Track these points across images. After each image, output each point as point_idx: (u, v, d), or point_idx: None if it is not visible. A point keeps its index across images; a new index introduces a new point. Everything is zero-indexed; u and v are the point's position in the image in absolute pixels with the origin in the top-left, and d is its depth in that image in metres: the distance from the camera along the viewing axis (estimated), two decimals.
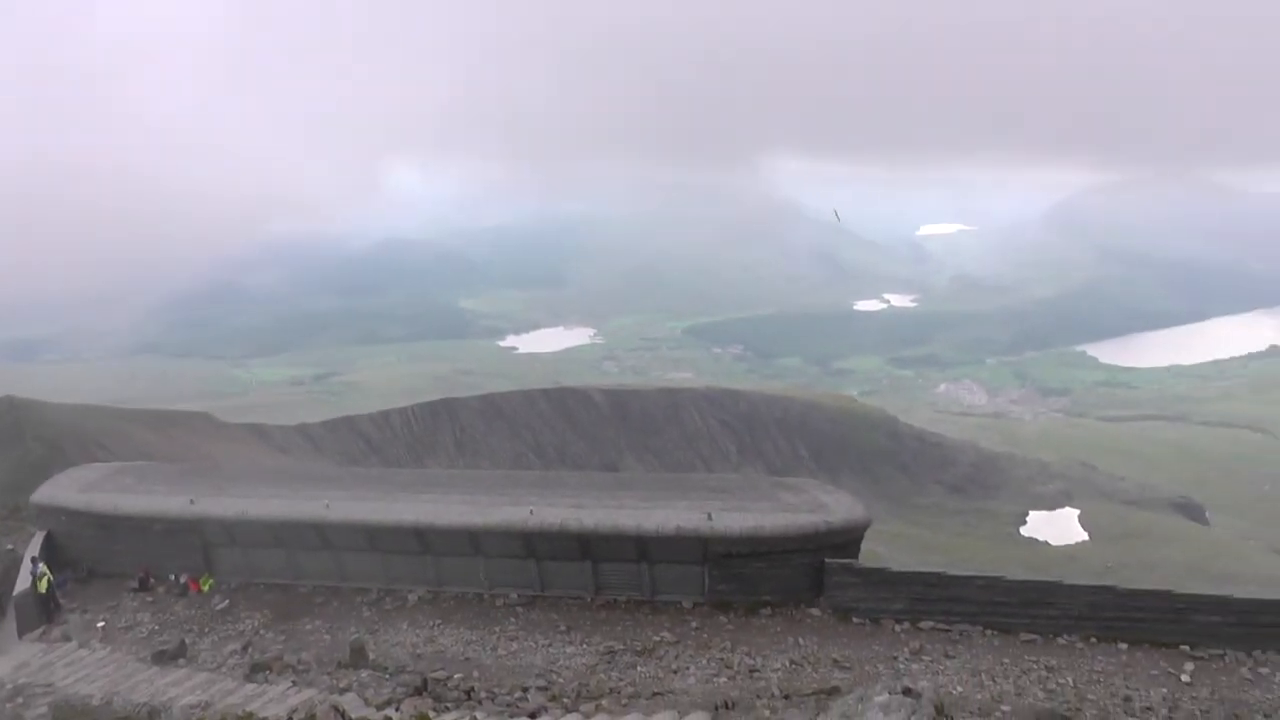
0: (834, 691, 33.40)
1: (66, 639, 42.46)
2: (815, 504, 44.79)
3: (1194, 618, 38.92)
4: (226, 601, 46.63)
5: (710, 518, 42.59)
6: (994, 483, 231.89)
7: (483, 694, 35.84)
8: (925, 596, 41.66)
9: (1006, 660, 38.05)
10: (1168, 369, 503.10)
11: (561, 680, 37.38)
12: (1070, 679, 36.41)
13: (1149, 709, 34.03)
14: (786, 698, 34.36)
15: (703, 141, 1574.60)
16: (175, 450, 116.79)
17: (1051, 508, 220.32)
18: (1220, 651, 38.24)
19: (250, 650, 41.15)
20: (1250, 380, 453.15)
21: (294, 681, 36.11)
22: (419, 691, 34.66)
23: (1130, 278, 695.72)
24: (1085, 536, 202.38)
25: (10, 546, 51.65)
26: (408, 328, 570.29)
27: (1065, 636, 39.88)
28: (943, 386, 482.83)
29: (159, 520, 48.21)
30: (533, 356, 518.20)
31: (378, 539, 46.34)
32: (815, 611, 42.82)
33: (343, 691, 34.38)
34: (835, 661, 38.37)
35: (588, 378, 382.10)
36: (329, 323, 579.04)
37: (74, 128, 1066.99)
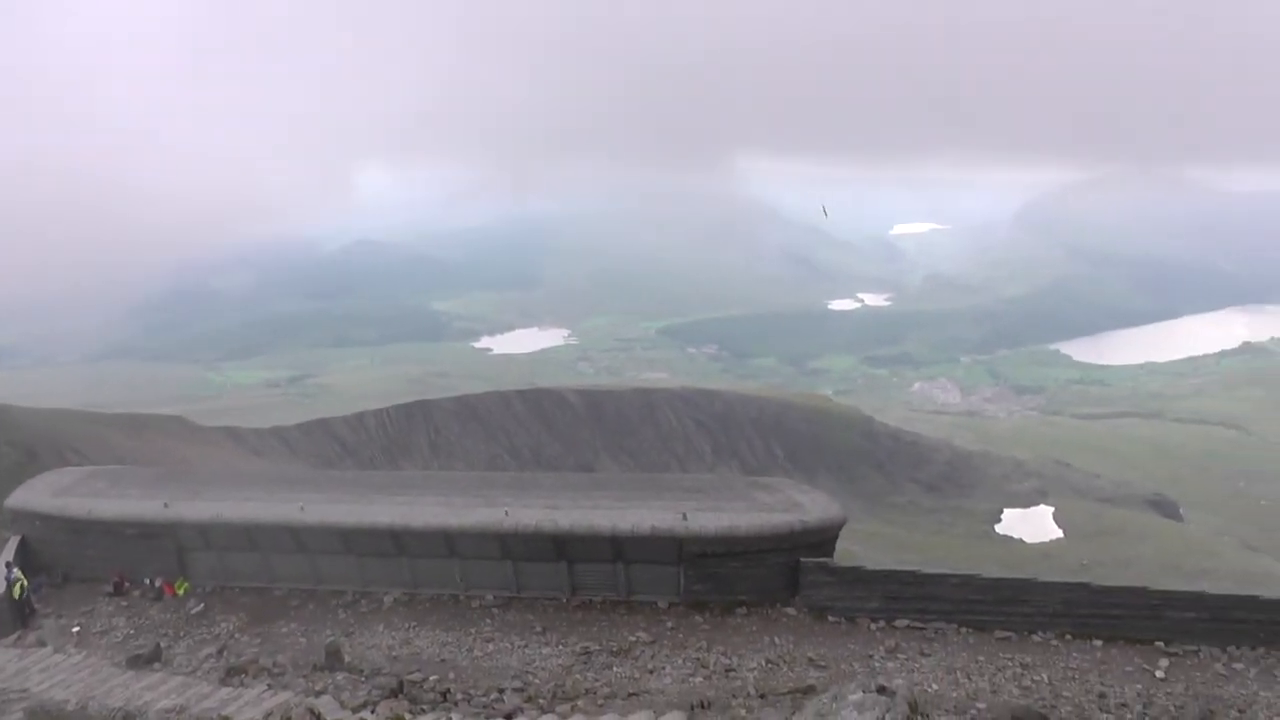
0: (810, 690, 33.52)
1: (41, 644, 42.32)
2: (790, 503, 44.92)
3: (1168, 614, 39.21)
4: (201, 605, 46.53)
5: (685, 518, 42.71)
6: (969, 481, 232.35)
7: (459, 695, 35.88)
8: (900, 595, 41.86)
9: (982, 658, 38.25)
10: (1141, 366, 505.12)
11: (537, 681, 37.45)
12: (1045, 676, 36.64)
13: (1124, 705, 34.24)
14: (762, 697, 34.48)
15: (675, 142, 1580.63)
16: (149, 454, 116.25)
17: (1026, 505, 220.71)
18: (1194, 647, 38.56)
19: (225, 654, 41.09)
20: (1223, 377, 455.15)
21: (269, 685, 36.07)
22: (395, 693, 34.66)
23: (1102, 276, 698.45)
24: (1060, 534, 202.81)
25: None
26: (381, 330, 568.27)
27: (1040, 634, 40.14)
28: (917, 385, 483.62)
29: (133, 524, 48.09)
30: (507, 358, 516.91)
31: (353, 541, 46.30)
32: (791, 611, 42.98)
33: (318, 694, 34.35)
34: (811, 660, 38.51)
35: (562, 379, 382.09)
36: (302, 325, 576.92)
37: (36, 128, 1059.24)
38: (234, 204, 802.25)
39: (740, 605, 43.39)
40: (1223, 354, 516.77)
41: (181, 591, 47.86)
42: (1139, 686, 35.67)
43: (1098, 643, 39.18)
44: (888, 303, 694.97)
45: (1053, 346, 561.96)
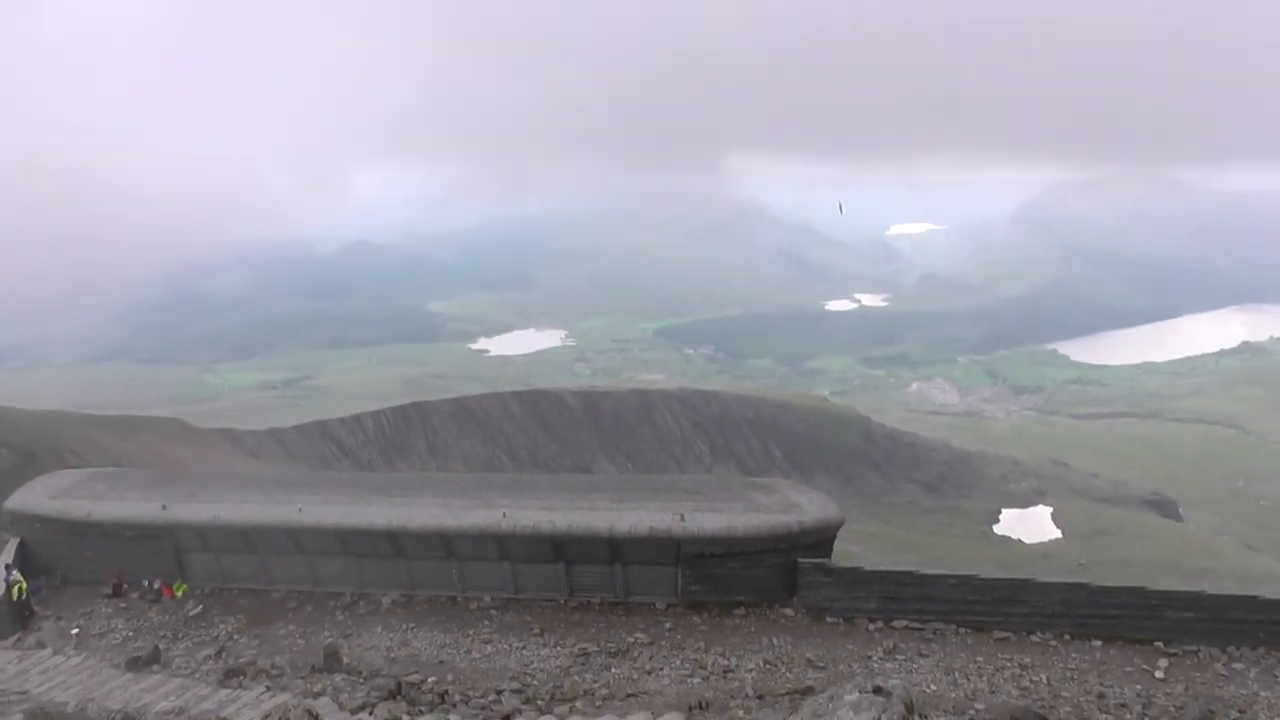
0: (808, 691, 33.54)
1: (41, 646, 42.36)
2: (788, 504, 44.98)
3: (1167, 614, 39.25)
4: (200, 607, 46.60)
5: (683, 519, 42.76)
6: (967, 481, 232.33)
7: (457, 697, 35.90)
8: (898, 595, 41.90)
9: (980, 658, 38.28)
10: (1139, 366, 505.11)
11: (536, 682, 37.48)
12: (1044, 676, 36.68)
13: (1123, 705, 34.27)
14: (760, 698, 34.52)
15: (671, 142, 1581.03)
16: (147, 456, 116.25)
17: (1024, 506, 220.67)
18: (1194, 647, 38.61)
19: (224, 655, 41.14)
20: (1221, 377, 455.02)
21: (268, 686, 36.10)
22: (393, 695, 34.69)
23: (1099, 276, 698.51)
24: (1058, 534, 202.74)
25: None
26: (378, 331, 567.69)
27: (1039, 634, 40.18)
28: (914, 385, 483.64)
29: (132, 526, 48.17)
30: (504, 359, 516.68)
31: (350, 543, 46.34)
32: (789, 611, 43.04)
33: (317, 696, 34.36)
34: (809, 661, 38.54)
35: (559, 380, 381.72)
36: (299, 327, 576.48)
37: (32, 129, 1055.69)
38: (230, 205, 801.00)
39: (738, 606, 43.43)
40: (1221, 353, 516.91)
41: (180, 593, 47.91)
42: (1138, 687, 35.70)
43: (1097, 643, 39.22)
44: (884, 303, 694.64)
45: (1050, 346, 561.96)
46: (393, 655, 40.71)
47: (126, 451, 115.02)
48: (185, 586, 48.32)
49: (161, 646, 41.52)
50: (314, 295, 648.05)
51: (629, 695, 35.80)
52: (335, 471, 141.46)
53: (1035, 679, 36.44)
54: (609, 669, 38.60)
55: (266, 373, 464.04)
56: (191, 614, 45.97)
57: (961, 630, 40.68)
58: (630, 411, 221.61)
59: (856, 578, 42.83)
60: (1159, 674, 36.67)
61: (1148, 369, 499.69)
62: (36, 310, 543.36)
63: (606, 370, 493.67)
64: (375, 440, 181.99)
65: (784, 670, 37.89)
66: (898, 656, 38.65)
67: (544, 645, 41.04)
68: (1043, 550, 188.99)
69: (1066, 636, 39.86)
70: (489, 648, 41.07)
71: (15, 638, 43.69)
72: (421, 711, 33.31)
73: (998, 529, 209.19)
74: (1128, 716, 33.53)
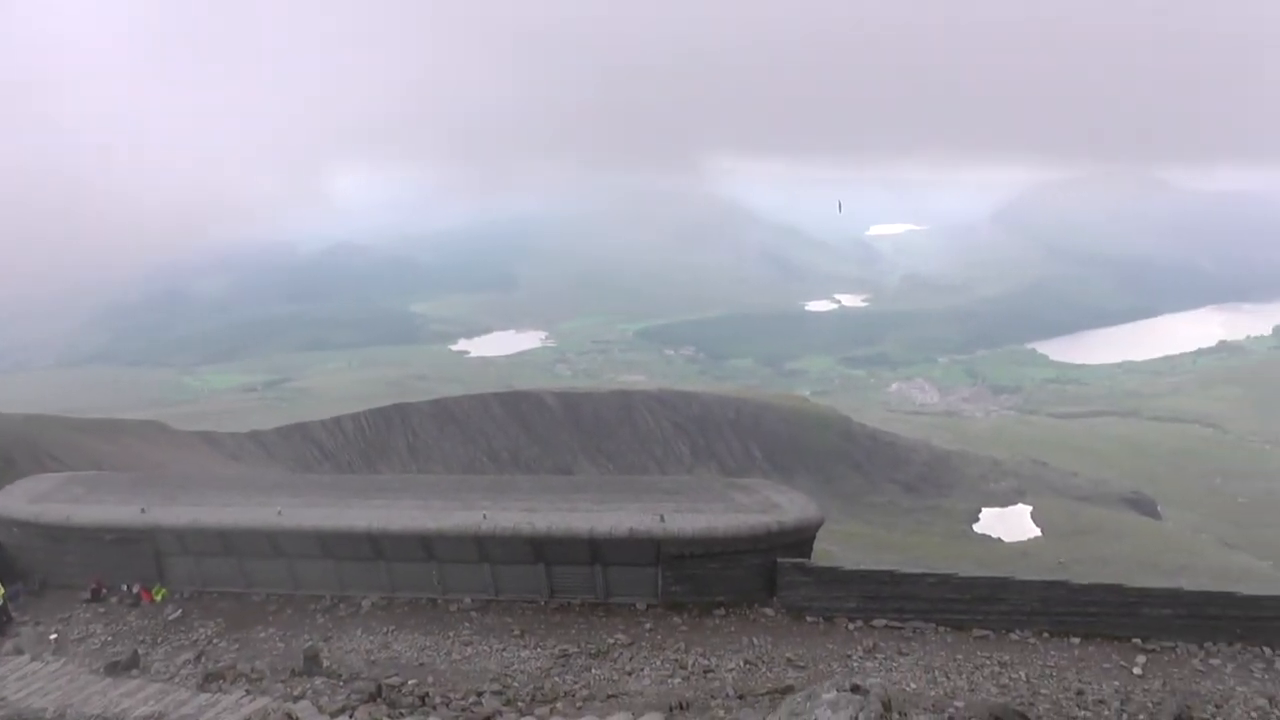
0: (788, 691, 33.60)
1: (19, 652, 42.07)
2: (768, 504, 45.09)
3: (1145, 611, 39.50)
4: (179, 611, 46.42)
5: (663, 519, 42.79)
6: (947, 481, 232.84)
7: (437, 699, 35.85)
8: (878, 595, 42.05)
9: (960, 656, 38.44)
10: (1118, 365, 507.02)
11: (516, 684, 37.48)
12: (1023, 674, 36.85)
13: (1101, 702, 34.44)
14: (741, 698, 34.59)
15: (650, 142, 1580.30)
16: (127, 459, 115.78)
17: (1004, 505, 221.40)
18: (1172, 644, 38.88)
19: (204, 659, 41.03)
20: (1199, 376, 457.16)
21: (248, 690, 35.98)
22: (373, 698, 34.64)
23: (1079, 275, 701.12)
24: (1038, 532, 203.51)
25: None
26: (358, 333, 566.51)
27: (1018, 632, 40.38)
28: (895, 385, 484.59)
29: (110, 530, 47.96)
30: (484, 360, 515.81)
31: (331, 545, 46.26)
32: (769, 611, 43.15)
33: (297, 699, 34.31)
34: (789, 661, 38.63)
35: (540, 381, 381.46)
36: (279, 329, 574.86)
37: (9, 131, 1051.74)
38: (211, 207, 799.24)
39: (718, 606, 43.52)
40: (1199, 352, 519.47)
41: (159, 597, 47.74)
42: (1116, 683, 35.89)
43: (1075, 640, 39.44)
44: (865, 303, 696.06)
45: (1030, 346, 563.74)
46: (373, 658, 40.65)
47: (106, 454, 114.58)
48: (164, 590, 48.13)
49: (140, 651, 41.34)
50: (295, 297, 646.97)
51: (609, 696, 35.84)
52: (315, 474, 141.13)
53: (1014, 676, 36.60)
54: (589, 670, 38.64)
55: (247, 375, 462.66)
56: (171, 618, 45.80)
57: (941, 629, 40.84)
58: (611, 413, 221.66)
59: (836, 577, 42.95)
60: (1137, 670, 36.88)
61: (1127, 368, 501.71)
62: (16, 313, 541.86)
63: (587, 371, 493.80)
64: (355, 442, 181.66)
65: (764, 670, 37.99)
66: (877, 655, 38.78)
67: (524, 647, 41.04)
68: (1022, 549, 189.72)
69: (1045, 634, 40.06)
70: (469, 649, 41.06)
71: None
72: (402, 714, 33.28)
73: (978, 528, 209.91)
74: (1106, 713, 33.69)
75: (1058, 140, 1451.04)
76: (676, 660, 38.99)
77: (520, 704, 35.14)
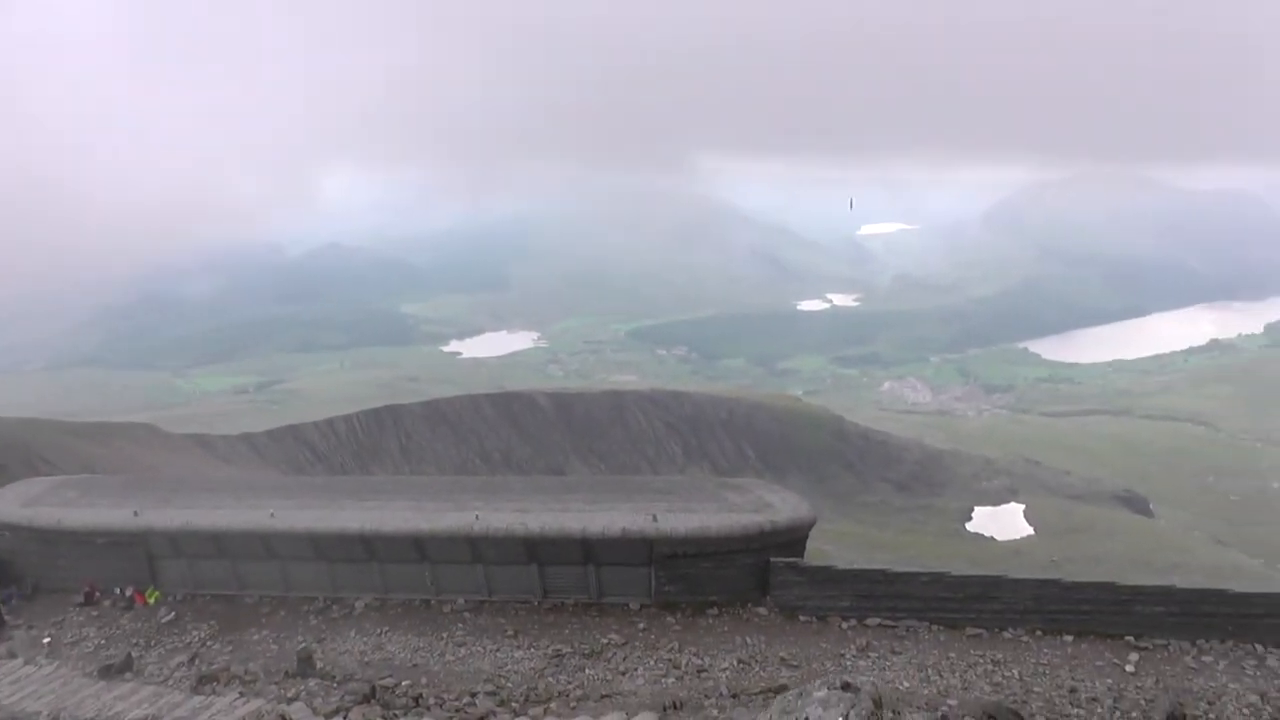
0: (782, 689, 33.57)
1: (12, 656, 42.06)
2: (760, 504, 45.10)
3: (1138, 609, 39.59)
4: (172, 614, 46.39)
5: (655, 519, 42.79)
6: (939, 480, 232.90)
7: (431, 700, 35.86)
8: (871, 593, 42.10)
9: (953, 655, 38.49)
10: (1109, 364, 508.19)
11: (510, 684, 37.48)
12: (1016, 672, 36.91)
13: (1094, 699, 34.51)
14: (735, 697, 34.60)
15: (642, 142, 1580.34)
16: (119, 463, 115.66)
17: (997, 503, 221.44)
18: (1164, 641, 39.00)
19: (197, 662, 40.98)
20: (1190, 374, 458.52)
21: (241, 692, 35.96)
22: (367, 699, 34.61)
23: (1070, 275, 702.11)
24: (1030, 531, 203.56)
25: None
26: (350, 334, 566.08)
27: (1011, 630, 40.46)
28: (887, 385, 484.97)
29: (103, 533, 47.91)
30: (477, 361, 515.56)
31: (323, 547, 46.23)
32: (762, 611, 43.19)
33: (291, 701, 34.29)
34: (783, 660, 38.68)
35: (532, 382, 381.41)
36: (270, 331, 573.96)
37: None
38: (200, 209, 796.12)
39: (711, 606, 43.55)
40: (1190, 351, 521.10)
41: (152, 600, 47.69)
42: (1109, 681, 35.97)
43: (1068, 638, 39.53)
44: (856, 303, 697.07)
45: (1022, 345, 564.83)
46: (367, 659, 40.65)
47: (98, 458, 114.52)
48: (157, 593, 48.09)
49: (134, 654, 41.28)
50: (285, 299, 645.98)
51: (603, 696, 35.84)
52: (308, 476, 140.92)
53: (1008, 674, 36.68)
54: (583, 670, 38.67)
55: (238, 377, 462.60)
56: (164, 621, 45.77)
57: (934, 627, 40.93)
58: (603, 413, 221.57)
59: (829, 576, 43.00)
60: (1130, 668, 36.96)
61: (1118, 367, 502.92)
62: (6, 316, 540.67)
63: (579, 372, 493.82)
64: (348, 444, 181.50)
65: (758, 669, 38.03)
66: (871, 654, 38.84)
67: (518, 647, 41.05)
68: (1015, 547, 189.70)
69: (1038, 632, 40.15)
70: (463, 650, 41.06)
71: None
72: (396, 715, 33.25)
73: (970, 527, 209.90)
74: (1099, 710, 33.76)
75: (1049, 140, 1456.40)
76: (670, 660, 39.02)
77: (514, 704, 35.13)
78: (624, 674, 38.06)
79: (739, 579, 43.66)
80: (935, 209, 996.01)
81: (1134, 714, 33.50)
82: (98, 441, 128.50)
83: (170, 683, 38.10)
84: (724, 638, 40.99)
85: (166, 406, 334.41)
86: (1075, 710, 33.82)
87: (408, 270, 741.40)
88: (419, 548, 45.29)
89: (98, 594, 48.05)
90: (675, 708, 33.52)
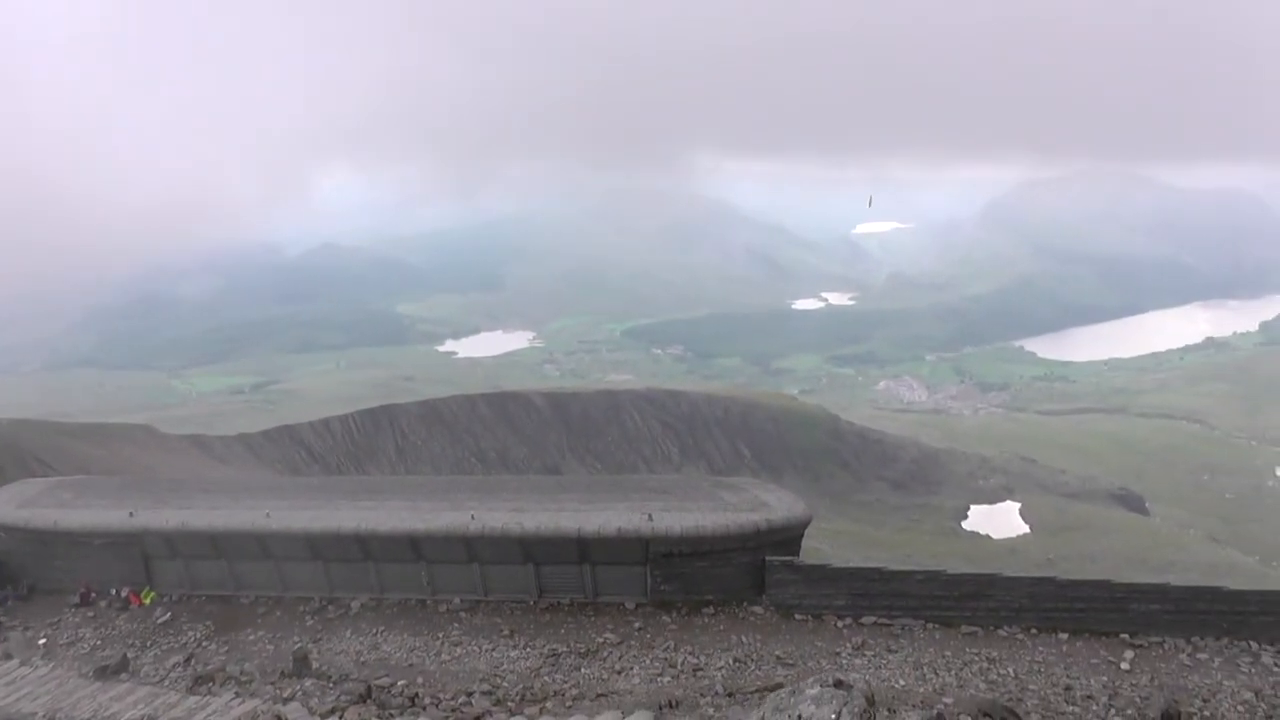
0: (777, 688, 33.62)
1: (8, 657, 41.97)
2: (756, 502, 45.05)
3: (1133, 606, 39.57)
4: (168, 614, 46.26)
5: (651, 518, 42.75)
6: (935, 478, 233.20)
7: (427, 700, 35.84)
8: (866, 592, 42.05)
9: (948, 653, 38.47)
10: (1105, 362, 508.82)
11: (506, 684, 37.44)
12: (1011, 670, 36.90)
13: (1089, 697, 34.53)
14: (730, 696, 34.64)
15: (637, 141, 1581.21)
16: (115, 463, 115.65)
17: (992, 502, 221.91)
18: (1159, 639, 38.94)
19: (193, 662, 40.90)
20: (1186, 372, 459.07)
21: (237, 692, 35.95)
22: (363, 699, 34.60)
23: (1066, 273, 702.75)
24: (1026, 529, 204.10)
25: None
26: (345, 334, 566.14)
27: (1006, 628, 40.42)
28: (882, 384, 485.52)
29: (99, 534, 47.80)
30: (472, 361, 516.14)
31: (319, 547, 46.14)
32: (758, 609, 43.11)
33: (286, 701, 34.31)
34: (778, 658, 38.65)
35: (528, 381, 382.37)
36: (266, 331, 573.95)
37: None
38: (195, 209, 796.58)
39: (707, 605, 43.49)
40: (1186, 349, 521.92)
41: (148, 601, 47.59)
42: (1105, 678, 35.97)
43: (1063, 636, 39.51)
44: (852, 302, 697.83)
45: (1018, 343, 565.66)
46: (362, 659, 40.60)
47: (94, 459, 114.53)
48: (153, 594, 48.01)
49: (130, 655, 41.20)
50: (281, 299, 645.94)
51: (599, 695, 35.86)
52: (304, 476, 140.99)
53: (1003, 672, 36.66)
54: (579, 669, 38.63)
55: (235, 377, 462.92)
56: (160, 621, 45.68)
57: (930, 625, 40.90)
58: (599, 412, 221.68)
59: (825, 575, 42.96)
60: (1125, 665, 36.96)
61: (1114, 365, 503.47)
62: (3, 317, 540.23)
63: (575, 371, 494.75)
64: (344, 444, 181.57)
65: (753, 668, 38.01)
66: (866, 652, 38.81)
67: (514, 647, 41.00)
68: (1010, 545, 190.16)
69: (1033, 630, 40.12)
70: (459, 650, 41.00)
71: None
72: (392, 715, 33.26)
73: (966, 525, 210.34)
74: (1094, 708, 33.79)
75: (1044, 139, 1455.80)
76: (666, 659, 38.98)
77: (510, 704, 35.13)
78: (620, 673, 38.03)
79: (735, 578, 43.63)
80: (930, 208, 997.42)
81: (1129, 711, 33.53)
82: (94, 442, 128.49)
83: (166, 683, 38.05)
84: (720, 636, 40.95)
85: (163, 407, 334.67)
86: (1070, 708, 33.85)
87: (404, 270, 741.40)
88: (415, 547, 45.23)
89: (93, 595, 47.91)
90: (671, 706, 33.56)
